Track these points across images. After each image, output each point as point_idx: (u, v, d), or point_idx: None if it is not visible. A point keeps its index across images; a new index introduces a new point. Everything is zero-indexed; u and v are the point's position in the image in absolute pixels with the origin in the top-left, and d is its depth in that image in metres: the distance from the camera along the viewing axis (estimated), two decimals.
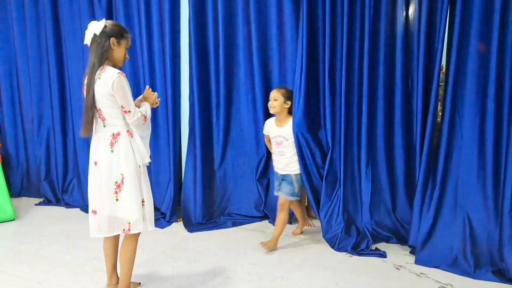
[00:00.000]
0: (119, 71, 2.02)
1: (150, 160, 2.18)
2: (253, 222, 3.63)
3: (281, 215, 3.00)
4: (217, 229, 3.49)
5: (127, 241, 2.21)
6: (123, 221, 2.11)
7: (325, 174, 3.11)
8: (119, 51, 2.11)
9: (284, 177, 3.05)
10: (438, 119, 2.92)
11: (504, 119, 2.58)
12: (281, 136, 3.01)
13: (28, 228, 3.58)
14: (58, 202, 4.30)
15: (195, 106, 3.49)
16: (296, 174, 3.02)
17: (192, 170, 3.55)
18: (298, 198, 3.11)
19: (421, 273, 2.65)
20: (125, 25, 3.58)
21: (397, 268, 2.74)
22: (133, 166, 2.08)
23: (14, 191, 4.46)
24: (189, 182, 3.57)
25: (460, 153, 2.72)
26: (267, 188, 3.66)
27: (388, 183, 3.14)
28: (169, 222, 3.62)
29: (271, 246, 2.99)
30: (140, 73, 3.75)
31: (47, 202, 4.34)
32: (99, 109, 2.07)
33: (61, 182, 4.32)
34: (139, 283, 2.52)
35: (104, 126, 2.09)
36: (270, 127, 3.10)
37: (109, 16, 3.74)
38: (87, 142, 3.97)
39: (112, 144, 2.07)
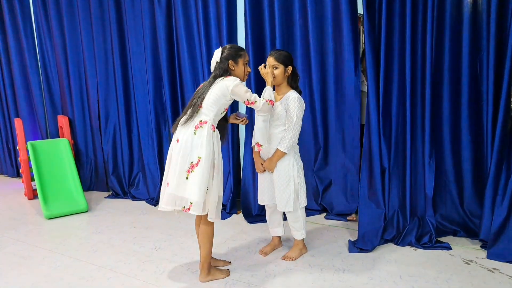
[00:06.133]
0: (236, 79, 2.34)
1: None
2: (312, 215, 3.61)
3: None
4: None
5: (203, 226, 2.39)
6: (186, 199, 2.24)
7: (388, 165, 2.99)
8: (238, 69, 2.41)
9: None
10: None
11: None
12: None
13: (99, 219, 3.80)
14: (125, 195, 4.52)
15: None
16: None
17: (251, 162, 3.58)
18: None
19: (493, 268, 2.51)
20: (183, 21, 3.74)
21: (467, 263, 2.60)
22: (210, 154, 2.24)
23: (84, 185, 4.74)
24: (248, 174, 3.61)
25: None
26: (325, 181, 3.61)
27: (454, 174, 2.99)
28: (230, 214, 3.70)
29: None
30: (199, 65, 3.84)
31: (115, 195, 4.57)
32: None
33: (127, 176, 4.55)
34: (229, 262, 2.72)
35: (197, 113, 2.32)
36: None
37: (168, 15, 3.87)
38: (151, 138, 4.16)
39: (196, 127, 2.27)
